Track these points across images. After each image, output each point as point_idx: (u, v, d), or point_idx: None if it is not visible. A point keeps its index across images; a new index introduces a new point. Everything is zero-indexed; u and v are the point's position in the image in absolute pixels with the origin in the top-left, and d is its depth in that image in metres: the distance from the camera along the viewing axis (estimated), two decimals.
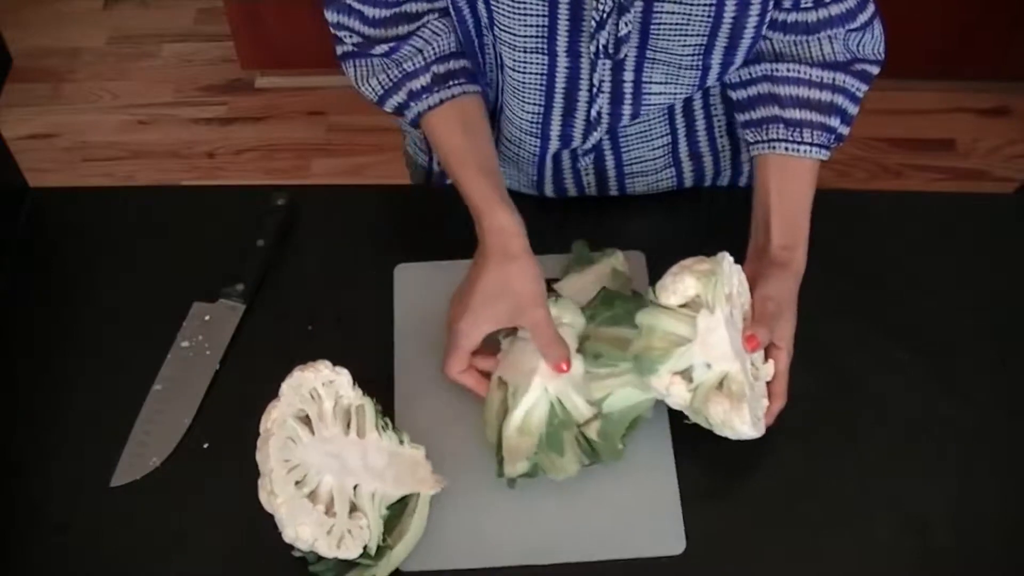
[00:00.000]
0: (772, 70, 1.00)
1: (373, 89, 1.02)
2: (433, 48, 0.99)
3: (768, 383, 0.92)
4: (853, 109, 1.02)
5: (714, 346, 0.86)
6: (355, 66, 1.03)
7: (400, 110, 1.01)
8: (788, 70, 1.00)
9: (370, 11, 0.99)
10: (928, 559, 0.88)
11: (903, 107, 2.39)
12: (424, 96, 0.99)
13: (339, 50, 1.03)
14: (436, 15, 1.00)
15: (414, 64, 0.99)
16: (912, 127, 2.38)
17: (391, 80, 1.00)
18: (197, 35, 2.61)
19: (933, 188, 2.27)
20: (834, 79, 1.00)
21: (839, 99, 1.00)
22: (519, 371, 0.91)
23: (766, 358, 0.92)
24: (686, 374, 0.87)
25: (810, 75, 0.99)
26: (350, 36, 1.01)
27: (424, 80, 0.99)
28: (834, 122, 1.00)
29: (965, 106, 2.43)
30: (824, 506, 0.91)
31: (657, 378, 0.87)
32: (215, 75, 2.52)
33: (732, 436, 0.87)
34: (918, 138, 2.37)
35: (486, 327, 0.91)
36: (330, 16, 1.01)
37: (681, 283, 0.87)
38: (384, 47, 0.99)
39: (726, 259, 0.89)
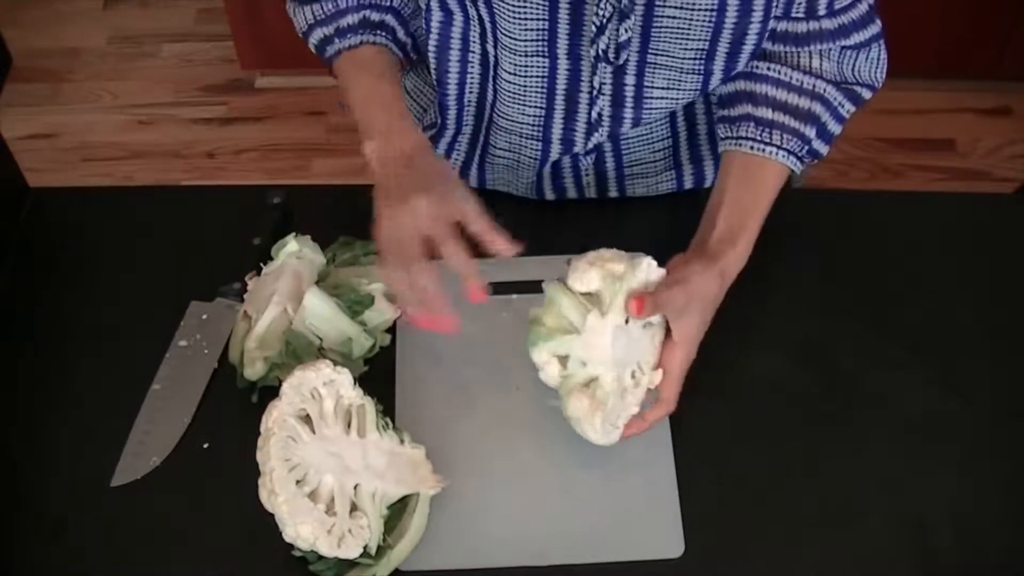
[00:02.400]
0: (753, 67, 0.98)
1: (305, 18, 1.02)
2: None
3: (656, 387, 0.90)
4: (834, 126, 0.99)
5: (595, 347, 0.86)
6: (295, 4, 1.03)
7: (324, 44, 1.01)
8: (768, 69, 0.98)
9: None
10: (928, 559, 0.88)
11: (903, 107, 2.39)
12: (350, 35, 0.99)
13: None
14: None
15: (347, 2, 1.00)
16: (912, 127, 2.38)
17: (324, 12, 1.01)
18: (197, 35, 2.61)
19: (933, 188, 2.27)
20: (815, 86, 0.97)
21: (817, 108, 0.97)
22: (260, 298, 0.97)
23: (659, 363, 0.89)
24: (563, 360, 0.88)
25: (790, 77, 0.97)
26: None
27: (354, 19, 1.00)
28: (808, 131, 0.97)
29: (965, 106, 2.43)
30: (824, 506, 0.91)
31: (536, 352, 0.89)
32: (215, 75, 2.52)
33: (582, 435, 0.88)
34: (918, 138, 2.37)
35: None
36: None
37: (587, 274, 0.87)
38: None
39: (643, 263, 0.88)
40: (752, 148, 0.96)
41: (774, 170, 0.97)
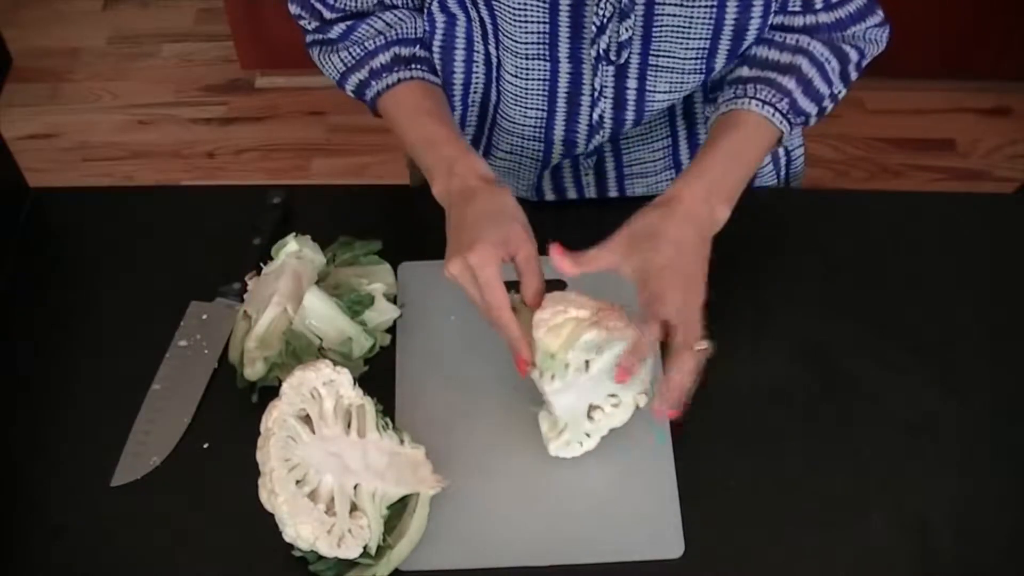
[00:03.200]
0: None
1: (335, 66, 1.01)
2: (395, 31, 0.99)
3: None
4: (821, 84, 0.94)
5: (545, 392, 0.88)
6: (320, 50, 1.03)
7: (361, 89, 1.00)
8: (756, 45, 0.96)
9: (327, 13, 1.00)
10: (928, 559, 0.88)
11: (903, 107, 2.39)
12: (385, 75, 0.98)
13: (306, 39, 1.04)
14: (396, 9, 1.00)
15: (375, 43, 0.99)
16: (912, 127, 2.38)
17: (353, 58, 0.99)
18: (197, 35, 2.61)
19: (933, 188, 2.27)
20: (798, 41, 0.94)
21: (800, 60, 0.93)
22: (260, 298, 0.96)
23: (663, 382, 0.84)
24: None
25: (773, 35, 0.95)
26: (309, 23, 1.01)
27: (385, 58, 0.98)
28: (787, 82, 0.92)
29: (965, 106, 2.43)
30: (823, 506, 0.91)
31: None
32: (215, 75, 2.53)
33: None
34: (918, 138, 2.37)
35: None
36: (292, 8, 1.02)
37: (537, 332, 0.86)
38: (341, 27, 0.99)
39: (583, 339, 0.85)
40: (727, 107, 0.93)
41: (746, 116, 0.92)
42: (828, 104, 0.97)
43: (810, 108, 0.96)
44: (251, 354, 0.94)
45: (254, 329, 0.95)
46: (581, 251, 0.85)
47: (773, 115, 0.92)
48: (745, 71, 0.95)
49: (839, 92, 0.98)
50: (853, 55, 0.98)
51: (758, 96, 0.92)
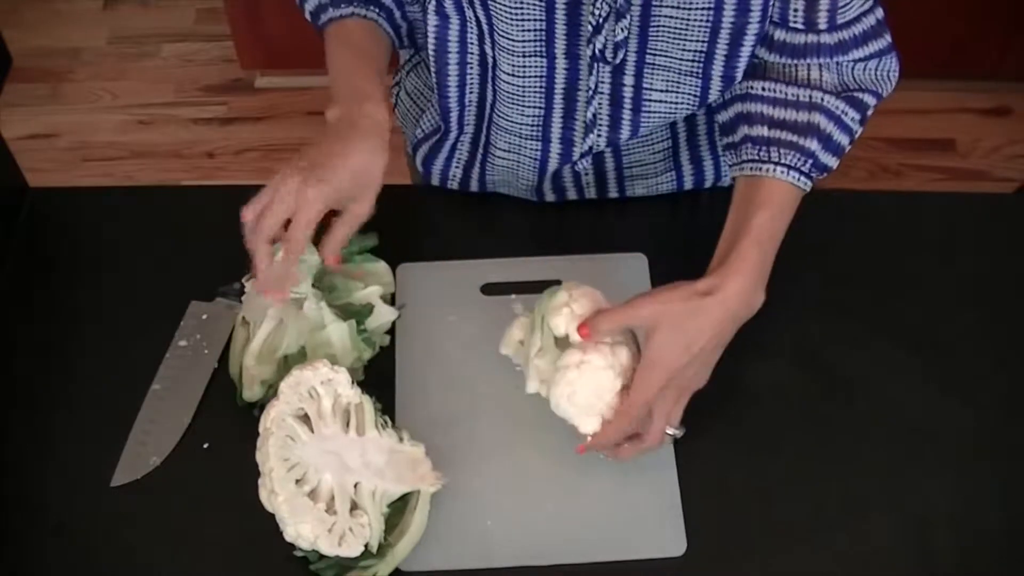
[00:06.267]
0: (748, 88, 0.95)
1: None
2: None
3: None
4: (840, 136, 0.94)
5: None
6: None
7: (318, 12, 1.01)
8: (764, 88, 0.94)
9: None
10: (928, 559, 0.88)
11: (903, 107, 2.39)
12: (343, 5, 0.99)
13: None
14: None
15: None
16: (912, 127, 2.38)
17: None
18: (197, 35, 2.61)
19: (933, 188, 2.27)
20: (811, 96, 0.93)
21: (817, 118, 0.93)
22: (257, 304, 0.95)
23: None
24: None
25: (785, 93, 0.94)
26: None
27: None
28: (810, 143, 0.92)
29: (965, 106, 2.43)
30: (824, 506, 0.91)
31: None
32: (215, 75, 2.53)
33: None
34: (918, 138, 2.37)
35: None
36: None
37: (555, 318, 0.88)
38: None
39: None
40: (752, 169, 0.93)
41: (774, 188, 0.92)
42: (848, 149, 0.97)
43: (832, 162, 0.95)
44: (249, 373, 0.94)
45: (251, 345, 0.94)
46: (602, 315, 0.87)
47: (799, 179, 0.93)
48: (764, 131, 0.94)
49: (858, 134, 0.97)
50: (870, 100, 0.96)
51: (783, 161, 0.92)
